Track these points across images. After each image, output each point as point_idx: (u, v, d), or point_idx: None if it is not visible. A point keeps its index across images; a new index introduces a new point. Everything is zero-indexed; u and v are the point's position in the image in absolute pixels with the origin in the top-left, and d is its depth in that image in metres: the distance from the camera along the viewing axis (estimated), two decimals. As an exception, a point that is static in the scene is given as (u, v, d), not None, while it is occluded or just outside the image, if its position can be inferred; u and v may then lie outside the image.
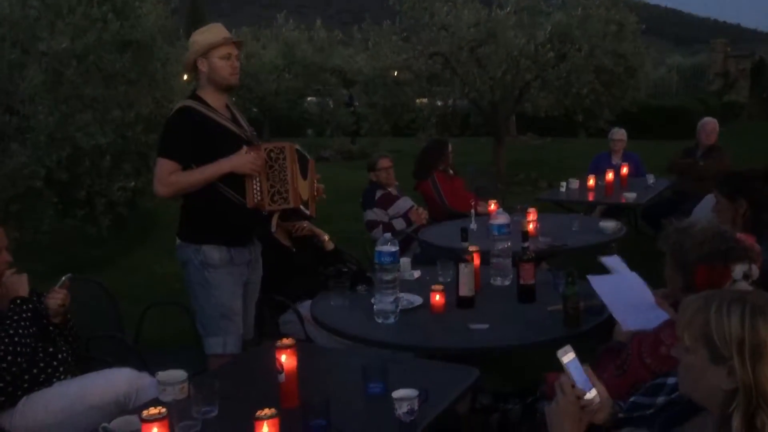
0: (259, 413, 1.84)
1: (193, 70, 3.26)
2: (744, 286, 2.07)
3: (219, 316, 3.21)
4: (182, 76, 7.70)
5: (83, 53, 6.60)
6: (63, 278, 2.81)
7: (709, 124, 6.82)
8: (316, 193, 3.44)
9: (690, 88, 22.17)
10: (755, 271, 2.10)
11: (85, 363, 2.91)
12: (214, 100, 3.23)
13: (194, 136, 3.12)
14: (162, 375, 2.25)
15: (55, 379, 2.66)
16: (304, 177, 3.32)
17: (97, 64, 6.75)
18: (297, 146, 3.28)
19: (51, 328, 2.77)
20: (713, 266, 2.08)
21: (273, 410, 1.85)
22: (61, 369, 2.70)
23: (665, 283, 2.30)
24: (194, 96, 3.24)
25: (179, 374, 2.24)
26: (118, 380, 2.66)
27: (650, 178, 6.90)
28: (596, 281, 2.70)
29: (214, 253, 3.19)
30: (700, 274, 2.09)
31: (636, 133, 10.13)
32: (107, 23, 6.76)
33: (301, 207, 3.25)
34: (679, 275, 2.17)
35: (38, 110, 6.31)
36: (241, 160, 3.11)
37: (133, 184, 7.17)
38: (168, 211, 6.08)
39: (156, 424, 1.79)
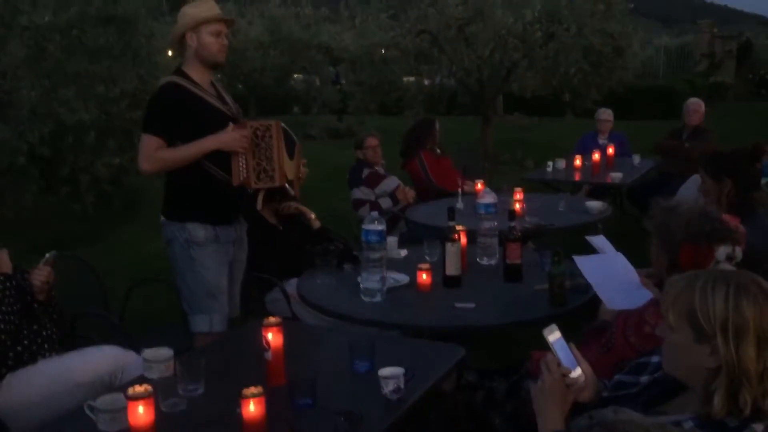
0: (246, 391, 1.84)
1: (180, 43, 3.21)
2: (727, 267, 2.08)
3: (204, 294, 3.20)
4: (167, 52, 7.62)
5: (66, 27, 6.50)
6: (47, 255, 2.79)
7: (694, 104, 6.84)
8: (300, 176, 3.43)
9: (677, 68, 22.16)
10: (738, 253, 2.12)
11: (70, 340, 2.89)
12: (200, 76, 3.20)
13: (179, 113, 3.09)
14: (148, 353, 2.25)
15: (39, 357, 2.65)
16: (291, 156, 3.30)
17: (80, 38, 6.65)
18: (283, 125, 3.27)
19: (35, 305, 2.75)
20: (697, 246, 2.10)
21: (260, 388, 1.85)
22: (46, 346, 2.68)
23: (649, 262, 2.32)
24: (179, 72, 3.20)
25: (165, 352, 2.23)
26: (103, 358, 2.65)
27: (636, 159, 6.93)
28: (582, 261, 2.71)
29: (199, 230, 3.18)
30: (684, 254, 2.10)
31: (623, 113, 10.14)
32: (91, -3, 6.66)
33: (286, 186, 3.24)
34: (664, 255, 2.18)
35: (20, 85, 6.23)
36: (228, 138, 3.09)
37: (117, 160, 7.11)
38: (153, 188, 6.04)
39: (141, 401, 1.79)
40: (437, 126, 6.03)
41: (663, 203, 2.24)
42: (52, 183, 6.85)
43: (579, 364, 1.71)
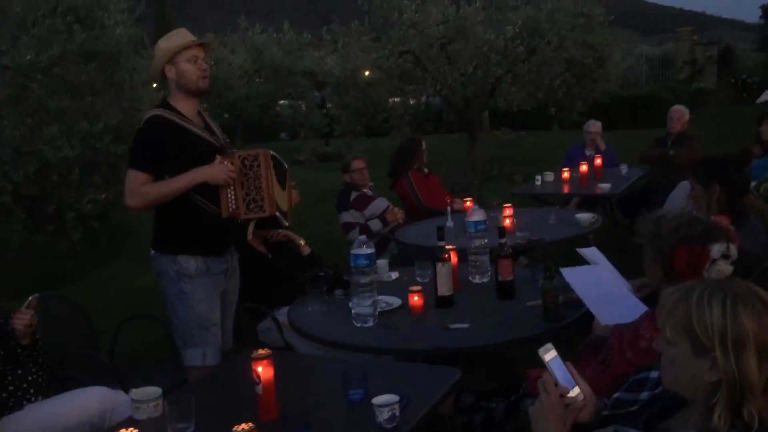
0: (236, 428, 1.79)
1: (162, 77, 3.18)
2: (723, 265, 2.05)
3: (197, 327, 3.14)
4: (151, 85, 7.61)
5: (48, 65, 6.47)
6: (30, 298, 2.73)
7: (677, 111, 6.88)
8: (293, 203, 3.39)
9: (659, 77, 22.38)
10: (733, 250, 2.09)
11: (59, 383, 2.82)
12: (185, 107, 3.15)
13: (165, 146, 3.04)
14: (135, 392, 2.19)
15: (26, 402, 2.58)
16: (282, 186, 3.26)
17: (62, 75, 6.62)
18: (272, 153, 3.22)
19: (19, 350, 2.69)
20: (692, 247, 2.06)
21: (251, 424, 1.80)
22: (32, 391, 2.61)
23: (642, 272, 2.28)
24: (164, 104, 3.16)
25: (153, 391, 2.17)
26: (91, 400, 2.59)
27: (624, 168, 6.94)
28: (570, 274, 2.67)
29: (190, 263, 3.12)
30: (679, 257, 2.07)
31: (608, 123, 10.19)
32: (72, 34, 6.64)
33: (277, 214, 3.19)
34: (658, 263, 2.15)
35: (3, 125, 6.19)
36: (215, 171, 3.04)
37: (104, 196, 7.05)
38: (141, 221, 5.99)
39: (128, 445, 1.74)
40: (423, 145, 6.02)
41: (649, 215, 2.21)
42: (38, 222, 6.78)
43: (577, 383, 1.66)
